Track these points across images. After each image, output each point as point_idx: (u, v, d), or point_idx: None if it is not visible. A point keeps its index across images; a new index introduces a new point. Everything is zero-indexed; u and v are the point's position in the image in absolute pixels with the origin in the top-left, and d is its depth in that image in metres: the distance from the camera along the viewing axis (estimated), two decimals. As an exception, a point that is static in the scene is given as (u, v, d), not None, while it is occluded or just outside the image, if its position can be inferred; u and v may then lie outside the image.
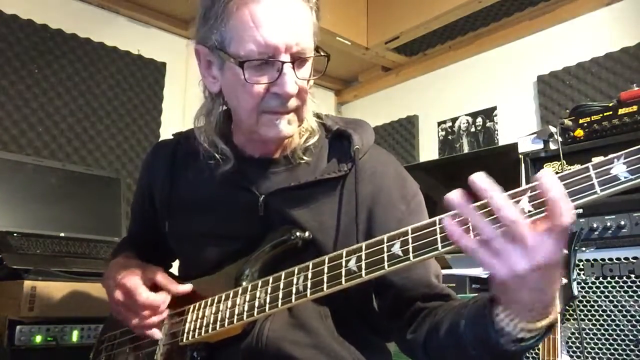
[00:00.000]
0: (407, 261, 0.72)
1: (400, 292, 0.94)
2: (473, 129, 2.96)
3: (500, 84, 2.85)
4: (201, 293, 1.02)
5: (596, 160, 0.61)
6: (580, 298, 1.67)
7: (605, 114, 1.79)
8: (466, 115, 3.00)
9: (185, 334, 0.99)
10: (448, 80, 3.13)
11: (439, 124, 3.14)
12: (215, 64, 0.96)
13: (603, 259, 1.66)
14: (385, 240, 0.75)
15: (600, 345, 1.63)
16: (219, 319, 0.93)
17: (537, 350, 1.53)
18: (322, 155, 1.04)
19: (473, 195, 0.62)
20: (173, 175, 1.12)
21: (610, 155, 0.60)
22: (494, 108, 2.87)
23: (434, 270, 0.97)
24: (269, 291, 0.87)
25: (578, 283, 1.68)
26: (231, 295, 0.94)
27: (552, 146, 1.88)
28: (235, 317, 0.91)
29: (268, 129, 0.93)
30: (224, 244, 1.03)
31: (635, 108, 1.73)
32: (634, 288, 1.60)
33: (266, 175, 1.02)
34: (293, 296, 0.83)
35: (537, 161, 1.91)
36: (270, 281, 0.88)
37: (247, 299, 0.90)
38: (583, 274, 1.69)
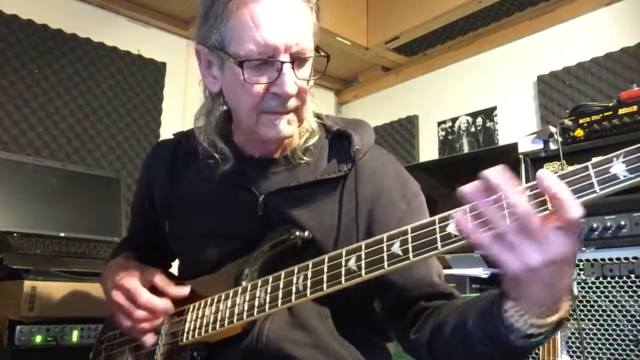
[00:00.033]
0: (406, 260, 0.72)
1: (402, 291, 0.94)
2: (473, 129, 2.96)
3: (500, 84, 2.85)
4: (201, 293, 1.02)
5: (595, 159, 0.61)
6: (580, 298, 1.67)
7: (605, 114, 1.79)
8: (466, 115, 3.00)
9: (185, 334, 0.99)
10: (448, 80, 3.13)
11: (439, 124, 3.14)
12: (216, 64, 0.96)
13: (603, 259, 1.66)
14: (385, 240, 0.75)
15: (600, 345, 1.63)
16: (218, 318, 0.93)
17: (537, 350, 1.53)
18: (322, 155, 1.04)
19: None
20: (173, 175, 1.12)
21: (610, 155, 0.60)
22: (494, 108, 2.87)
23: (436, 270, 0.97)
24: (268, 291, 0.87)
25: (578, 283, 1.68)
26: (231, 295, 0.94)
27: (552, 146, 1.88)
28: (235, 316, 0.91)
29: (268, 129, 0.93)
30: (223, 244, 1.03)
31: (635, 108, 1.72)
32: (634, 288, 1.60)
33: (266, 175, 1.02)
34: (293, 296, 0.83)
35: (537, 161, 1.91)
36: (270, 281, 0.88)
37: (247, 298, 0.90)
38: (583, 274, 1.68)
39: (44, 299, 1.55)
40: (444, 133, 3.11)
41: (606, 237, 1.67)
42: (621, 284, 1.62)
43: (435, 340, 0.85)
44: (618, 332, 1.60)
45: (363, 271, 0.75)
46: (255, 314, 0.88)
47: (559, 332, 1.33)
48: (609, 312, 1.63)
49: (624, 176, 0.59)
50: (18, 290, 1.53)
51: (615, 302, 1.62)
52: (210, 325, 0.94)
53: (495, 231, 0.62)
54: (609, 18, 2.46)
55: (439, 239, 0.69)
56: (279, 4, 0.88)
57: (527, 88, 2.73)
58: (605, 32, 2.45)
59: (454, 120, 3.06)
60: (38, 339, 1.55)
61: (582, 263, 1.69)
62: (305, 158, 1.02)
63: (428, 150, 3.18)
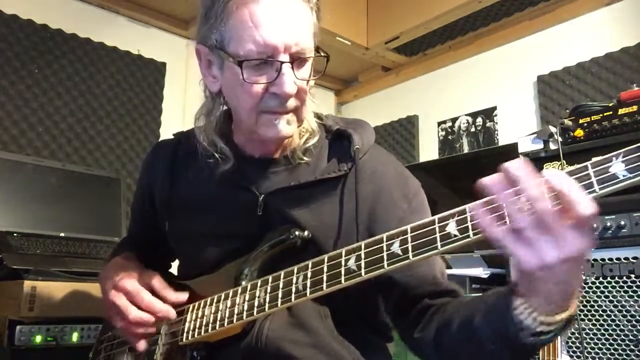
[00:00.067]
0: (406, 260, 0.72)
1: (405, 289, 0.93)
2: (473, 129, 2.96)
3: (500, 84, 2.85)
4: (200, 293, 1.02)
5: (595, 159, 0.61)
6: (580, 298, 1.66)
7: (605, 114, 1.79)
8: (466, 115, 3.00)
9: (185, 334, 0.99)
10: (448, 80, 3.13)
11: (439, 124, 3.14)
12: (216, 64, 0.97)
13: (603, 259, 1.65)
14: (385, 239, 0.75)
15: (600, 345, 1.63)
16: (218, 318, 0.94)
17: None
18: (322, 155, 1.04)
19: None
20: (173, 175, 1.12)
21: (609, 154, 0.60)
22: (494, 108, 2.87)
23: (439, 267, 0.97)
24: (268, 290, 0.87)
25: (578, 283, 1.67)
26: (231, 295, 0.94)
27: (552, 146, 1.88)
28: (235, 316, 0.91)
29: (267, 129, 0.93)
30: (223, 244, 1.03)
31: (635, 108, 1.72)
32: (634, 288, 1.60)
33: (266, 175, 1.02)
34: (292, 295, 0.83)
35: (537, 161, 1.90)
36: (270, 280, 0.88)
37: (247, 298, 0.90)
38: (583, 274, 1.68)
39: (44, 299, 1.55)
40: (444, 133, 3.11)
41: (606, 237, 1.67)
42: (621, 284, 1.62)
43: (441, 338, 0.85)
44: (618, 332, 1.60)
45: (363, 271, 0.75)
46: (255, 313, 0.88)
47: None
48: (609, 312, 1.63)
49: (624, 176, 0.59)
50: (18, 290, 1.53)
51: (615, 302, 1.62)
52: (210, 325, 0.94)
53: (513, 226, 0.61)
54: (609, 18, 2.46)
55: (438, 239, 0.69)
56: (278, 4, 0.88)
57: (527, 88, 2.73)
58: (605, 32, 2.45)
59: (454, 120, 3.06)
60: (38, 339, 1.55)
61: (582, 263, 1.69)
62: (305, 158, 1.02)
63: (428, 150, 3.18)
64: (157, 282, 1.04)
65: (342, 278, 0.78)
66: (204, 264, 1.05)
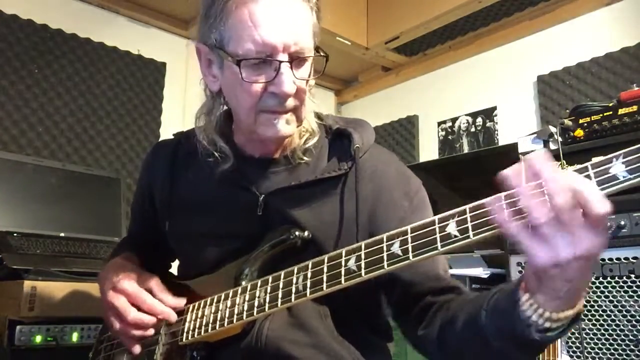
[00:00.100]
0: (406, 260, 0.72)
1: (408, 286, 0.93)
2: (473, 129, 2.96)
3: (500, 84, 2.85)
4: (200, 293, 1.02)
5: (595, 160, 0.61)
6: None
7: (605, 114, 1.79)
8: (466, 115, 3.00)
9: (184, 334, 0.99)
10: (448, 80, 3.13)
11: (439, 124, 3.14)
12: (216, 63, 0.97)
13: (603, 259, 1.66)
14: (385, 240, 0.75)
15: (600, 345, 1.63)
16: (218, 318, 0.93)
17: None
18: (322, 154, 1.04)
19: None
20: (173, 175, 1.12)
21: (609, 155, 0.60)
22: (494, 108, 2.87)
23: (442, 265, 0.96)
24: (268, 291, 0.87)
25: (578, 283, 1.67)
26: (231, 295, 0.94)
27: (552, 146, 1.88)
28: (235, 316, 0.91)
29: (266, 128, 0.93)
30: (223, 244, 1.03)
31: (635, 108, 1.73)
32: (634, 288, 1.60)
33: (266, 175, 1.02)
34: (292, 296, 0.83)
35: (537, 161, 1.90)
36: (270, 281, 0.88)
37: (247, 298, 0.90)
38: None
39: (44, 299, 1.55)
40: (444, 133, 3.11)
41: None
42: (621, 284, 1.62)
43: (445, 335, 0.84)
44: (618, 332, 1.60)
45: (363, 271, 0.75)
46: (255, 313, 0.88)
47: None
48: (609, 312, 1.63)
49: (624, 177, 0.59)
50: (18, 290, 1.53)
51: (615, 302, 1.62)
52: (210, 325, 0.94)
53: (531, 221, 0.61)
54: (609, 18, 2.46)
55: (438, 239, 0.69)
56: (277, 3, 0.88)
57: (527, 88, 2.73)
58: (605, 32, 2.45)
59: (454, 120, 3.06)
60: (38, 339, 1.55)
61: (582, 263, 1.69)
62: (305, 158, 1.02)
63: (428, 150, 3.18)
64: (156, 285, 1.03)
65: (342, 278, 0.78)
66: (204, 264, 1.05)
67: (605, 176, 0.60)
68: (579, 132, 1.82)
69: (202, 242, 1.05)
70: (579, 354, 1.66)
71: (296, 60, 0.90)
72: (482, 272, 2.08)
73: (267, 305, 0.86)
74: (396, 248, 0.73)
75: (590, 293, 1.67)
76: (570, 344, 1.68)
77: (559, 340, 1.41)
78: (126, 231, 1.69)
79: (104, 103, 2.62)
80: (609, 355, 1.62)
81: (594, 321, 1.65)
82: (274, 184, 1.00)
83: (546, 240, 0.60)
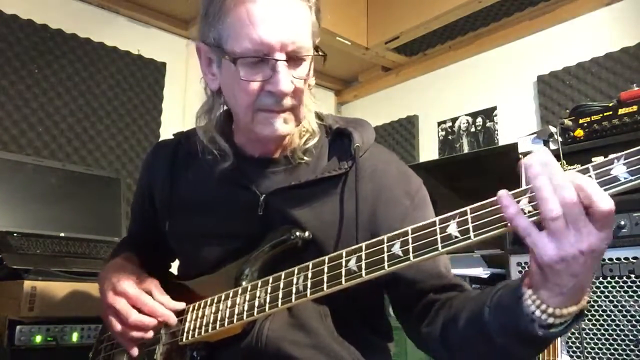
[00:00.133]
0: (407, 261, 0.72)
1: (411, 284, 0.93)
2: (473, 129, 2.96)
3: (500, 84, 2.86)
4: (201, 293, 1.02)
5: (596, 160, 0.61)
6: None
7: (605, 114, 1.79)
8: (466, 115, 3.00)
9: (185, 334, 0.99)
10: (448, 80, 3.13)
11: (439, 124, 3.14)
12: (215, 61, 0.97)
13: (603, 259, 1.65)
14: (385, 241, 0.75)
15: (600, 345, 1.64)
16: (218, 318, 0.93)
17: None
18: (322, 154, 1.04)
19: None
20: (173, 175, 1.12)
21: (611, 156, 0.60)
22: (494, 108, 2.87)
23: (444, 262, 0.96)
24: (268, 291, 0.87)
25: (578, 283, 1.67)
26: (231, 295, 0.94)
27: (552, 146, 1.88)
28: (235, 316, 0.91)
29: (263, 127, 0.93)
30: (224, 244, 1.03)
31: (635, 108, 1.73)
32: (634, 288, 1.60)
33: (266, 174, 1.02)
34: (293, 296, 0.83)
35: (537, 161, 1.90)
36: (270, 281, 0.88)
37: (247, 298, 0.90)
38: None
39: (44, 299, 1.55)
40: (444, 133, 3.11)
41: (606, 237, 1.67)
42: (621, 284, 1.62)
43: (448, 332, 0.84)
44: (618, 332, 1.61)
45: (363, 272, 0.75)
46: (255, 314, 0.88)
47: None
48: (609, 312, 1.63)
49: (625, 178, 0.59)
50: (18, 290, 1.53)
51: (615, 302, 1.62)
52: (210, 325, 0.94)
53: (542, 216, 0.61)
54: (609, 18, 2.46)
55: (439, 240, 0.69)
56: (276, 2, 0.88)
57: (527, 88, 2.73)
58: (605, 32, 2.45)
59: (454, 120, 3.06)
60: (38, 339, 1.55)
61: (582, 263, 1.69)
62: (305, 158, 1.02)
63: (428, 150, 3.18)
64: (156, 287, 1.03)
65: (343, 279, 0.78)
66: (205, 264, 1.05)
67: (607, 177, 0.60)
68: (579, 132, 1.82)
69: (202, 242, 1.05)
70: (579, 354, 1.66)
71: (293, 59, 0.90)
72: (482, 272, 2.08)
73: (267, 305, 0.86)
74: (397, 249, 0.73)
75: (591, 293, 1.67)
76: (570, 344, 1.68)
77: (559, 340, 1.41)
78: (126, 231, 1.69)
79: (104, 103, 2.62)
80: (609, 355, 1.62)
81: (594, 321, 1.65)
82: (274, 184, 1.00)
83: (554, 235, 0.61)
